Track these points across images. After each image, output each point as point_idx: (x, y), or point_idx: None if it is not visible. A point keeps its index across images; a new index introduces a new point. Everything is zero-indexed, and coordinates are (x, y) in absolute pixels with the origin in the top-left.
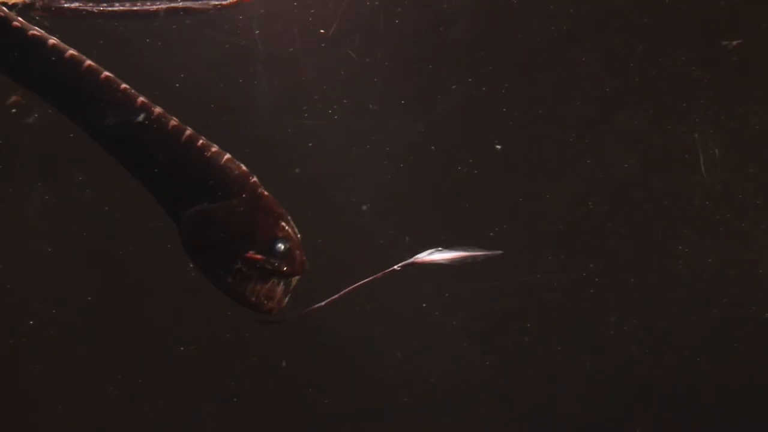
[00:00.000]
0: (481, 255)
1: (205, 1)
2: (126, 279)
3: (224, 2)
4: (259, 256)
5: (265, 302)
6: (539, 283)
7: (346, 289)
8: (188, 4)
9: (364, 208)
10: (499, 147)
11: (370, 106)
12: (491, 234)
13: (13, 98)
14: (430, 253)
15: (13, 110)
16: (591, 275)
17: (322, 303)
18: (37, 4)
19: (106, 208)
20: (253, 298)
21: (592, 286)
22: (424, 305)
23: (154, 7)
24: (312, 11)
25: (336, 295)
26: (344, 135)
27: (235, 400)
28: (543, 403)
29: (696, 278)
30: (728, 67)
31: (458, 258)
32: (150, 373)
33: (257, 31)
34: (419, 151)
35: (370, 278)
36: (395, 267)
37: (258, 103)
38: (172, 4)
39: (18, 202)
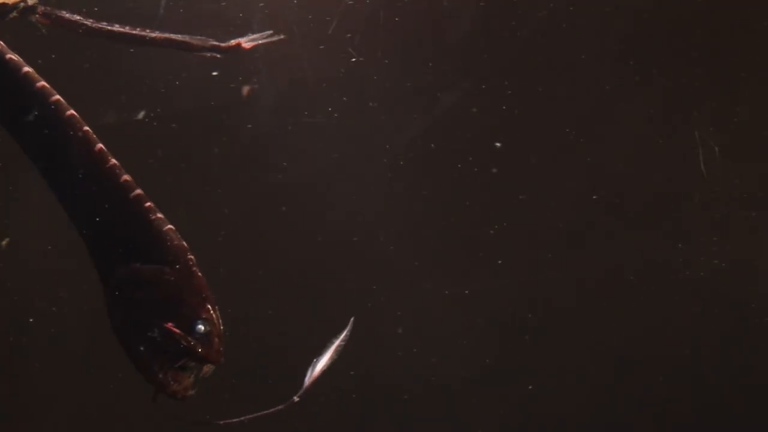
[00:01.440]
0: (343, 337)
1: (204, 39)
2: None
3: (222, 45)
4: (177, 330)
5: (172, 383)
6: (540, 281)
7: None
8: (187, 38)
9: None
10: (498, 145)
11: (370, 104)
12: (491, 232)
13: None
14: (313, 367)
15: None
16: (591, 273)
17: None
18: (39, 9)
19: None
20: (161, 375)
21: (593, 285)
22: (424, 304)
23: (154, 35)
24: (312, 10)
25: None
26: (344, 133)
27: (235, 392)
28: (543, 401)
29: (695, 275)
30: (728, 64)
31: (333, 355)
32: None
33: (257, 29)
34: (419, 149)
35: (274, 409)
36: (294, 398)
37: (258, 102)
38: (171, 36)
39: (18, 200)
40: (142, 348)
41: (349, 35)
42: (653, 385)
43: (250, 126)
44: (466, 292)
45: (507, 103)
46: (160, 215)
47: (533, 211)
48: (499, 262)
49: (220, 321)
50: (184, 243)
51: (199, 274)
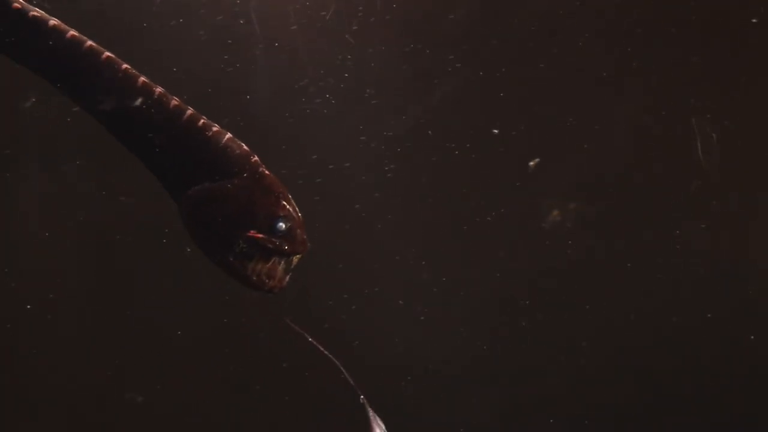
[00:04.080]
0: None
1: None
2: (122, 264)
3: None
4: (260, 235)
5: (267, 281)
6: (537, 269)
7: None
8: None
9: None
10: (496, 132)
11: (368, 91)
12: (488, 219)
13: None
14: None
15: None
16: (589, 262)
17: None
18: None
19: (104, 192)
20: (255, 278)
21: (590, 273)
22: (422, 291)
23: None
24: None
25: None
26: (341, 120)
27: (234, 382)
28: (540, 388)
29: (693, 265)
30: (727, 51)
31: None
32: (147, 361)
33: (254, 16)
34: (416, 136)
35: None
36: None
37: (255, 89)
38: None
39: (15, 189)
40: (231, 259)
41: (346, 21)
42: (650, 373)
43: (246, 113)
44: (464, 277)
45: (504, 90)
46: (216, 128)
47: (530, 196)
48: (497, 250)
49: (297, 210)
50: (245, 147)
51: (267, 172)
